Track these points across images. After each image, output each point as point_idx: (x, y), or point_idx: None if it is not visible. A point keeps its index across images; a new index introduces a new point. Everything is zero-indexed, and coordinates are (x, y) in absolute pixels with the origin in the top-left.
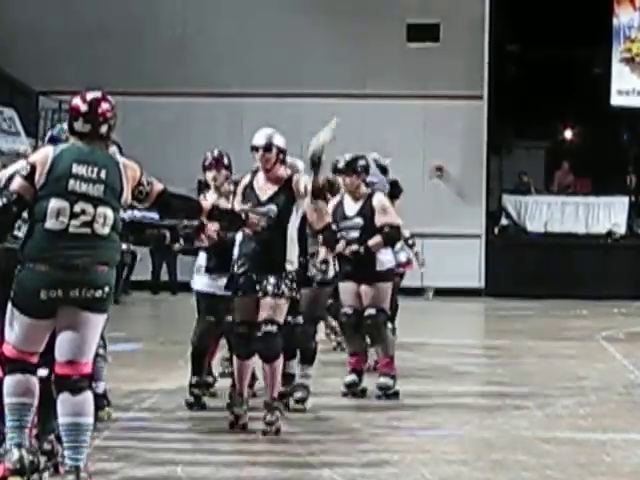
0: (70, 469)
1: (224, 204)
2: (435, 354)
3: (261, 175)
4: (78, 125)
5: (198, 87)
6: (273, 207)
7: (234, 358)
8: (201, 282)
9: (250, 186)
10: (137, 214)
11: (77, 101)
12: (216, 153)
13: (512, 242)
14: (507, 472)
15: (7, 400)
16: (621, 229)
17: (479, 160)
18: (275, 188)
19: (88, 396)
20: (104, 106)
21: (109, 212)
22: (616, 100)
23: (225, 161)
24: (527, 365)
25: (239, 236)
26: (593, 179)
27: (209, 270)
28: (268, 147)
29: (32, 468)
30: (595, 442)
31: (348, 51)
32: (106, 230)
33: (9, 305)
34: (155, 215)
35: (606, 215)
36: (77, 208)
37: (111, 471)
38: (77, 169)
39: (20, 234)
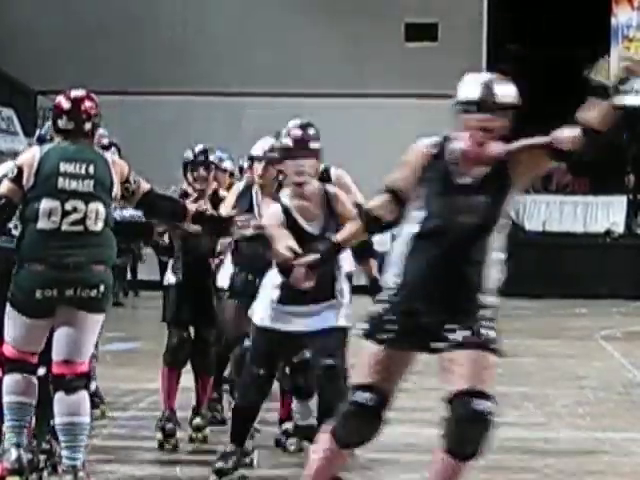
0: (68, 469)
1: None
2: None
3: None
4: (62, 123)
5: (197, 86)
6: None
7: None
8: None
9: None
10: (124, 213)
11: (60, 99)
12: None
13: (510, 241)
14: (506, 472)
15: (6, 399)
16: (619, 228)
17: None
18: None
19: (84, 395)
20: (87, 104)
21: (101, 207)
22: (614, 99)
23: None
24: (526, 364)
25: (401, 243)
26: (591, 178)
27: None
28: None
29: (31, 467)
30: (594, 441)
31: (347, 51)
32: (99, 226)
33: (8, 305)
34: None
35: (604, 214)
36: (68, 206)
37: (109, 471)
38: (65, 167)
39: (17, 232)
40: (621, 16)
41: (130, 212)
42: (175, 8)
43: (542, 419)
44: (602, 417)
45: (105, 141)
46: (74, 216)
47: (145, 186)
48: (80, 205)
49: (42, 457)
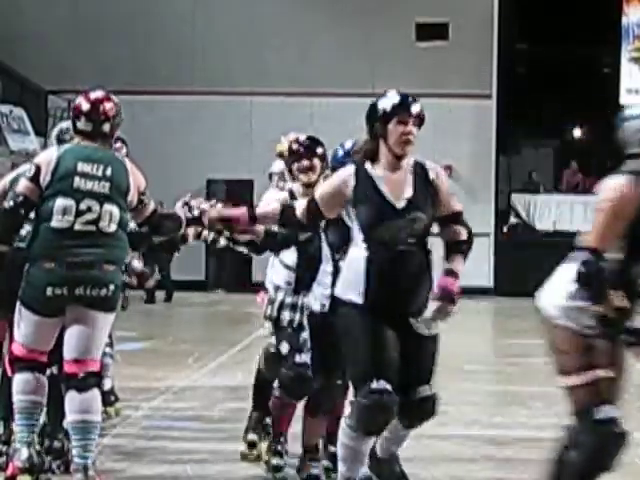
0: (78, 467)
1: None
2: (444, 353)
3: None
4: (80, 124)
5: (207, 86)
6: None
7: None
8: None
9: None
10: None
11: (80, 100)
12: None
13: (521, 241)
14: (516, 471)
15: (16, 398)
16: None
17: (488, 159)
18: None
19: (95, 394)
20: (106, 105)
21: (115, 210)
22: (625, 99)
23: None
24: (536, 364)
25: None
26: (602, 178)
27: None
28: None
29: (40, 467)
30: None
31: (357, 50)
32: (112, 228)
33: (18, 304)
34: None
35: None
36: (83, 206)
37: (120, 469)
38: (82, 167)
39: (23, 232)
40: (632, 15)
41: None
42: (184, 7)
43: (553, 419)
44: None
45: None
46: (88, 216)
47: (152, 205)
48: (95, 206)
49: (48, 458)
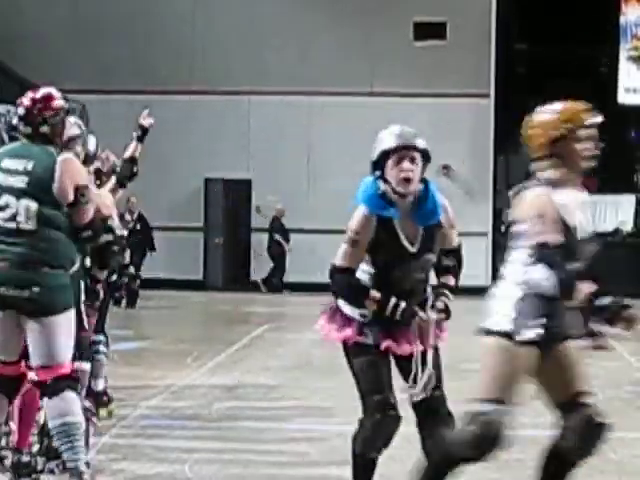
0: (72, 472)
1: None
2: (442, 353)
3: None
4: (21, 127)
5: (207, 86)
6: None
7: None
8: None
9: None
10: None
11: (19, 104)
12: None
13: None
14: (514, 471)
15: None
16: (628, 227)
17: (486, 158)
18: None
19: (69, 395)
20: (42, 106)
21: (32, 204)
22: (623, 98)
23: None
24: None
25: None
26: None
27: None
28: None
29: (29, 470)
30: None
31: (355, 50)
32: (30, 225)
33: None
34: None
35: (613, 213)
36: (1, 201)
37: (118, 469)
38: (6, 163)
39: None
40: (630, 15)
41: None
42: (184, 7)
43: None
44: (611, 416)
45: (75, 131)
46: (7, 212)
47: (92, 211)
48: (12, 201)
49: (41, 460)
